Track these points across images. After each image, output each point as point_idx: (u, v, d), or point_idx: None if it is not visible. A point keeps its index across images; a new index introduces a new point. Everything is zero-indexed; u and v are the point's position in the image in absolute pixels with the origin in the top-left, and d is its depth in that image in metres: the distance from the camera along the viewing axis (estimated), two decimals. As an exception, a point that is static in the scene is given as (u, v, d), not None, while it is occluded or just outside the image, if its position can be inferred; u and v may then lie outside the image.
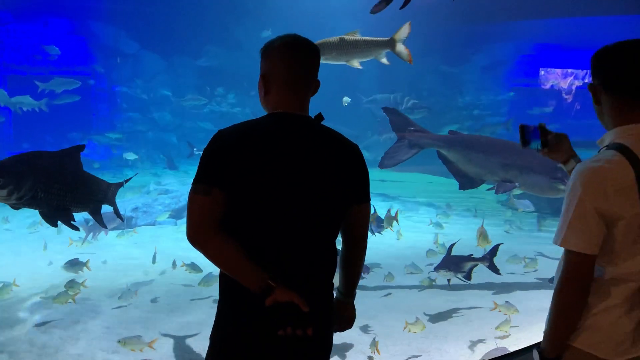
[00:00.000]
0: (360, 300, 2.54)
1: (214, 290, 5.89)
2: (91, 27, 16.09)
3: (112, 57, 16.17)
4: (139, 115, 16.84)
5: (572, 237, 1.96)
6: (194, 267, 6.53)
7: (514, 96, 18.53)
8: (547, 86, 17.48)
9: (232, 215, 2.05)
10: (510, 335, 5.09)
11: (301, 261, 2.11)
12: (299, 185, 2.06)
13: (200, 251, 2.04)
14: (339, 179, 2.15)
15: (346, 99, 12.10)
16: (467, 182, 6.59)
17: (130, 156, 13.48)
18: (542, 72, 17.50)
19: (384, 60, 5.56)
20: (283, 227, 2.07)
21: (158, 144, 16.75)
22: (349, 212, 2.23)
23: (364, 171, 2.25)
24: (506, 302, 5.52)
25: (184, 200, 10.45)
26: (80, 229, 8.82)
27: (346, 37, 5.50)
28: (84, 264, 6.34)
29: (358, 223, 2.29)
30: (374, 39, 5.52)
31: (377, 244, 7.81)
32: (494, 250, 6.13)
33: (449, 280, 6.17)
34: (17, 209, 3.92)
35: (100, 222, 4.53)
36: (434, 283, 6.56)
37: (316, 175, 2.10)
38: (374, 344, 4.74)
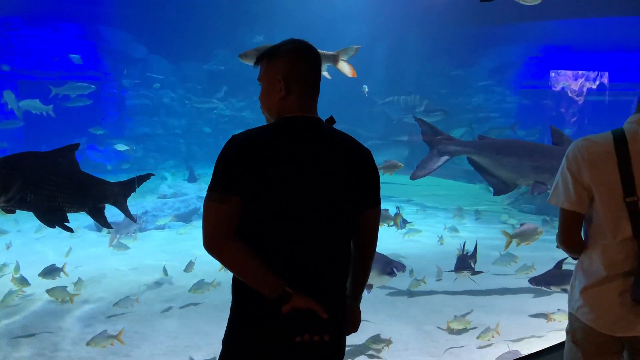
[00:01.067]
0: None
1: (205, 298, 5.95)
2: (100, 32, 16.19)
3: (121, 61, 16.26)
4: (147, 119, 16.91)
5: (555, 196, 2.43)
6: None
7: (523, 98, 18.44)
8: (557, 88, 17.37)
9: (247, 221, 2.04)
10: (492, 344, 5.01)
11: (315, 266, 2.11)
12: (311, 190, 2.07)
13: (217, 259, 2.04)
14: (350, 183, 2.15)
15: (365, 88, 12.07)
16: (501, 187, 6.56)
17: (121, 147, 13.56)
18: (552, 74, 17.39)
19: (326, 74, 5.53)
20: (296, 232, 2.07)
21: (166, 148, 16.81)
22: (360, 216, 2.23)
23: (375, 175, 2.26)
24: (558, 309, 5.47)
25: (192, 203, 10.48)
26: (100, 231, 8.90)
27: None
28: (61, 270, 6.23)
29: (368, 227, 2.29)
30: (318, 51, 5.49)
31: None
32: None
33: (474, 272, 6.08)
34: (10, 212, 3.86)
35: (102, 222, 4.41)
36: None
37: (328, 179, 2.10)
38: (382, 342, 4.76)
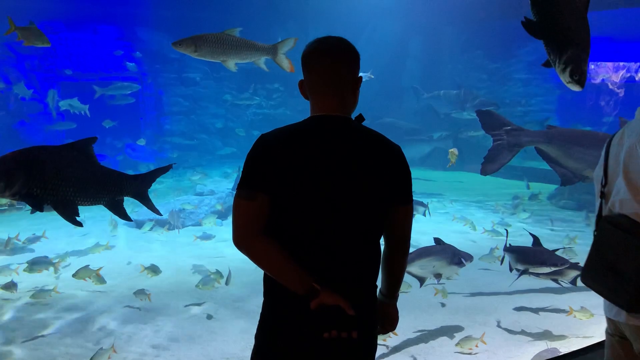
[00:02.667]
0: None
1: (215, 293, 6.04)
2: (138, 33, 16.54)
3: (158, 62, 16.58)
4: (184, 117, 17.20)
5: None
6: (153, 269, 6.53)
7: (563, 91, 17.99)
8: (597, 80, 16.87)
9: (276, 218, 2.08)
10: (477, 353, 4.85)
11: (344, 262, 2.12)
12: (338, 187, 2.07)
13: (246, 255, 2.09)
14: (379, 179, 2.13)
15: (370, 74, 11.94)
16: (569, 178, 6.42)
17: (141, 142, 14.29)
18: (591, 66, 16.90)
19: (263, 66, 5.40)
20: (324, 229, 2.09)
21: (202, 147, 17.06)
22: (390, 213, 2.21)
23: (405, 172, 2.22)
24: (581, 307, 5.37)
25: (228, 200, 10.62)
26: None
27: (226, 34, 5.27)
28: (52, 264, 6.41)
29: (399, 224, 2.26)
30: (256, 43, 5.37)
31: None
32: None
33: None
34: (35, 208, 3.88)
35: (122, 215, 4.43)
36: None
37: (355, 176, 2.09)
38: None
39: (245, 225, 2.06)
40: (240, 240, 2.07)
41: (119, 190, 4.37)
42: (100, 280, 6.24)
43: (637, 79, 16.59)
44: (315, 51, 2.20)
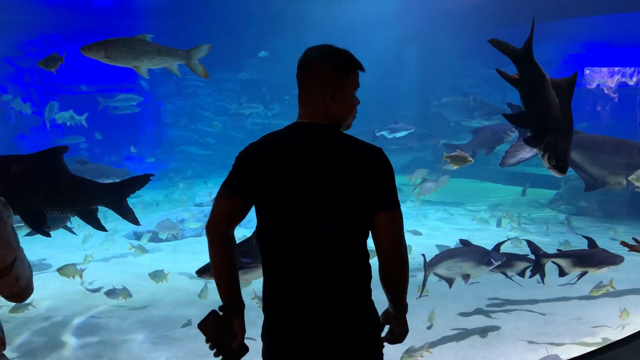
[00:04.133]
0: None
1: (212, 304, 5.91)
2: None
3: (157, 73, 16.62)
4: (183, 129, 17.23)
5: None
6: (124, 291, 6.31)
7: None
8: (595, 85, 16.92)
9: (260, 224, 2.19)
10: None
11: (323, 270, 2.11)
12: (312, 194, 2.10)
13: (208, 245, 2.21)
14: (354, 184, 2.10)
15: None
16: (591, 183, 6.44)
17: (132, 150, 14.63)
18: (586, 71, 16.95)
19: (176, 72, 5.24)
20: (300, 236, 2.12)
21: (202, 157, 17.08)
22: (374, 220, 2.14)
23: (385, 176, 2.15)
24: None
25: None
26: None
27: (138, 39, 5.11)
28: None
29: (384, 231, 2.15)
30: (168, 48, 5.19)
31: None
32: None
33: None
34: None
35: (95, 225, 4.31)
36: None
37: (329, 182, 2.10)
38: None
39: (215, 222, 2.20)
40: (208, 230, 2.22)
41: (92, 199, 4.26)
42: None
43: (630, 83, 16.63)
44: (299, 61, 2.26)
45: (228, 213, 2.19)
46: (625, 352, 4.04)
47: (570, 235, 9.07)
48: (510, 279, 5.88)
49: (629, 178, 5.91)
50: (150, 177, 4.49)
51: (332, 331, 2.09)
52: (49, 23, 14.84)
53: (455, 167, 7.71)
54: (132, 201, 4.49)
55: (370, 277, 2.21)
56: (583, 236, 5.97)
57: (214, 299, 5.80)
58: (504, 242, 5.97)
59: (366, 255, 2.21)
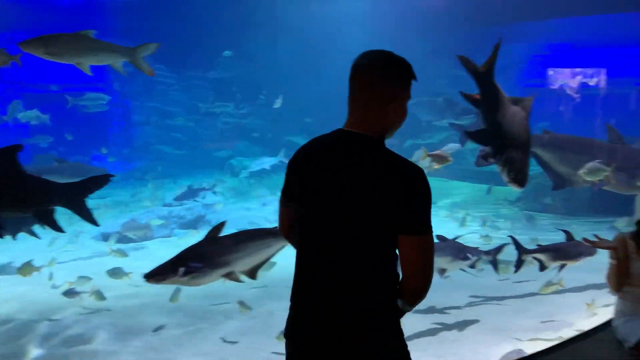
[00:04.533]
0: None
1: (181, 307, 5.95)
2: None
3: (128, 71, 16.35)
4: (153, 128, 17.01)
5: None
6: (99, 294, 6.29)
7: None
8: (560, 86, 17.32)
9: (295, 225, 2.25)
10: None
11: (334, 281, 2.06)
12: (341, 204, 2.04)
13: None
14: (386, 201, 1.97)
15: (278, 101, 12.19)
16: (559, 182, 6.59)
17: (104, 151, 14.53)
18: (550, 72, 17.33)
19: (121, 70, 5.17)
20: (320, 243, 2.10)
21: (171, 157, 16.89)
22: (400, 242, 2.01)
23: (420, 198, 2.00)
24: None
25: (197, 211, 10.55)
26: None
27: (81, 35, 4.97)
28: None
29: (408, 256, 2.01)
30: (113, 44, 5.06)
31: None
32: (500, 248, 6.17)
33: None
34: None
35: (51, 226, 4.23)
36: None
37: (360, 195, 2.00)
38: None
39: (282, 227, 2.46)
40: (281, 234, 2.53)
41: (47, 199, 4.17)
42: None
43: (591, 83, 17.09)
44: (353, 65, 2.16)
45: (289, 218, 2.34)
46: (587, 344, 4.16)
47: (535, 232, 9.28)
48: (465, 270, 6.00)
49: (579, 172, 6.09)
50: (110, 178, 4.40)
51: (339, 346, 2.04)
52: (12, 21, 14.46)
53: (437, 167, 7.24)
54: (98, 202, 4.42)
55: (390, 298, 2.09)
56: (561, 230, 6.18)
57: (183, 303, 5.77)
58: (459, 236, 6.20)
59: (390, 275, 2.09)
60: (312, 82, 15.29)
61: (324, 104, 17.83)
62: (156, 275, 3.91)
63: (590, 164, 6.02)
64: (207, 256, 3.97)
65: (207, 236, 4.24)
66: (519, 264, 5.83)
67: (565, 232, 6.03)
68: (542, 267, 5.83)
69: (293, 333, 2.13)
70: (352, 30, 17.02)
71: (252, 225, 10.16)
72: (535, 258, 5.81)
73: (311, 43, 16.75)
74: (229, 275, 4.06)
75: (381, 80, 2.09)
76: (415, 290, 2.07)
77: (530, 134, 4.55)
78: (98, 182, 4.39)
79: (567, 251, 5.81)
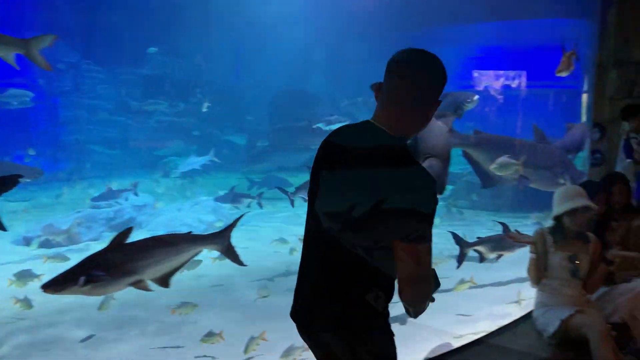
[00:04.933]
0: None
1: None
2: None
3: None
4: (80, 127, 16.35)
5: None
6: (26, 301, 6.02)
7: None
8: (481, 87, 17.99)
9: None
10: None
11: (320, 274, 2.18)
12: (342, 199, 2.06)
13: None
14: (379, 204, 1.96)
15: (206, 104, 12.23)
16: (487, 181, 6.79)
17: (31, 152, 13.73)
18: (475, 74, 17.98)
19: (13, 63, 4.77)
20: (311, 238, 2.23)
21: (102, 157, 16.31)
22: (394, 248, 2.00)
23: (421, 206, 1.96)
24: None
25: (127, 213, 10.22)
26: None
27: None
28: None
29: (400, 265, 2.00)
30: (3, 35, 4.69)
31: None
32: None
33: None
34: None
35: None
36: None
37: (362, 194, 2.00)
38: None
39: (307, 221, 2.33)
40: None
41: None
42: None
43: (513, 85, 17.82)
44: (395, 60, 2.11)
45: (310, 211, 2.28)
46: (509, 336, 4.30)
47: (464, 227, 9.54)
48: None
49: (490, 167, 6.37)
50: (19, 179, 4.08)
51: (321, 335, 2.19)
52: None
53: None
54: (21, 204, 4.12)
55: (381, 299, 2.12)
56: (498, 222, 6.47)
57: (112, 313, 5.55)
58: None
59: (383, 275, 2.10)
60: (249, 80, 15.17)
61: (263, 102, 17.76)
62: (53, 285, 3.52)
63: (500, 159, 6.31)
64: (112, 264, 3.65)
65: (112, 242, 3.86)
66: (461, 258, 6.18)
67: (503, 224, 6.33)
68: (482, 259, 6.30)
69: (292, 315, 2.28)
70: (288, 30, 17.01)
71: (185, 226, 9.94)
72: (475, 250, 6.22)
73: (248, 41, 16.61)
74: (137, 284, 3.74)
75: (426, 85, 2.09)
76: (405, 299, 2.05)
77: (450, 146, 4.75)
78: (5, 183, 4.03)
79: (504, 243, 6.21)
